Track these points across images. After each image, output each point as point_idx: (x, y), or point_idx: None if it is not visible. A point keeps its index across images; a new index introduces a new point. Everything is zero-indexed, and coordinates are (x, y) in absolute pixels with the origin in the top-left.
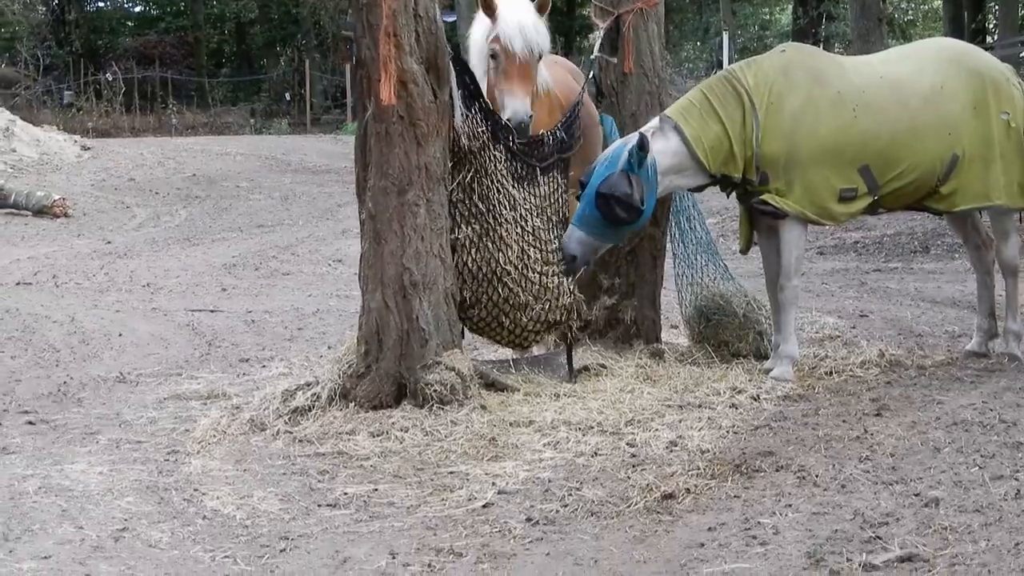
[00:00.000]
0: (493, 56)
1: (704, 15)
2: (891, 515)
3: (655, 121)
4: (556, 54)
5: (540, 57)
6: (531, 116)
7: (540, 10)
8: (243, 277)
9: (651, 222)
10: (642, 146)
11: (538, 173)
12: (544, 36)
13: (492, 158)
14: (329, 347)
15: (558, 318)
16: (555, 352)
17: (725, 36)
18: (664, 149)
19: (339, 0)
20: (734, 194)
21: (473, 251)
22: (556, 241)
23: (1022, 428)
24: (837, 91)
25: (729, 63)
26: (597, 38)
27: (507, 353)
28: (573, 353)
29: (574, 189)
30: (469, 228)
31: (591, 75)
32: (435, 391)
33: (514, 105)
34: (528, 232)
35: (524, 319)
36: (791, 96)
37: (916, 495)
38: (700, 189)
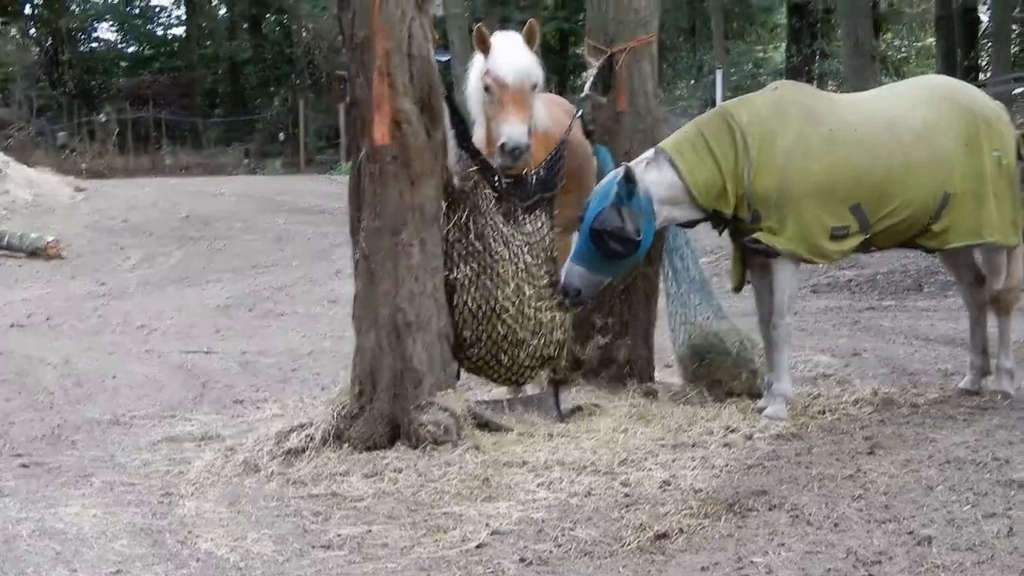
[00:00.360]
0: (487, 90)
1: (698, 53)
2: (884, 553)
3: (650, 152)
4: (551, 92)
5: (534, 87)
6: (528, 143)
7: (528, 41)
8: (237, 318)
9: (645, 261)
10: (629, 177)
11: (520, 212)
12: (535, 66)
13: (484, 196)
14: (323, 388)
15: (552, 353)
16: (548, 392)
17: (719, 74)
18: (659, 180)
19: (333, 40)
20: (727, 232)
21: (472, 289)
22: (547, 277)
23: (1015, 466)
24: (829, 128)
25: (723, 101)
26: (589, 77)
27: (500, 393)
28: (567, 393)
29: (559, 228)
30: (467, 267)
31: (579, 113)
32: (429, 432)
33: (510, 130)
34: (522, 268)
35: (522, 355)
36: (784, 134)
37: (909, 533)
38: (693, 225)
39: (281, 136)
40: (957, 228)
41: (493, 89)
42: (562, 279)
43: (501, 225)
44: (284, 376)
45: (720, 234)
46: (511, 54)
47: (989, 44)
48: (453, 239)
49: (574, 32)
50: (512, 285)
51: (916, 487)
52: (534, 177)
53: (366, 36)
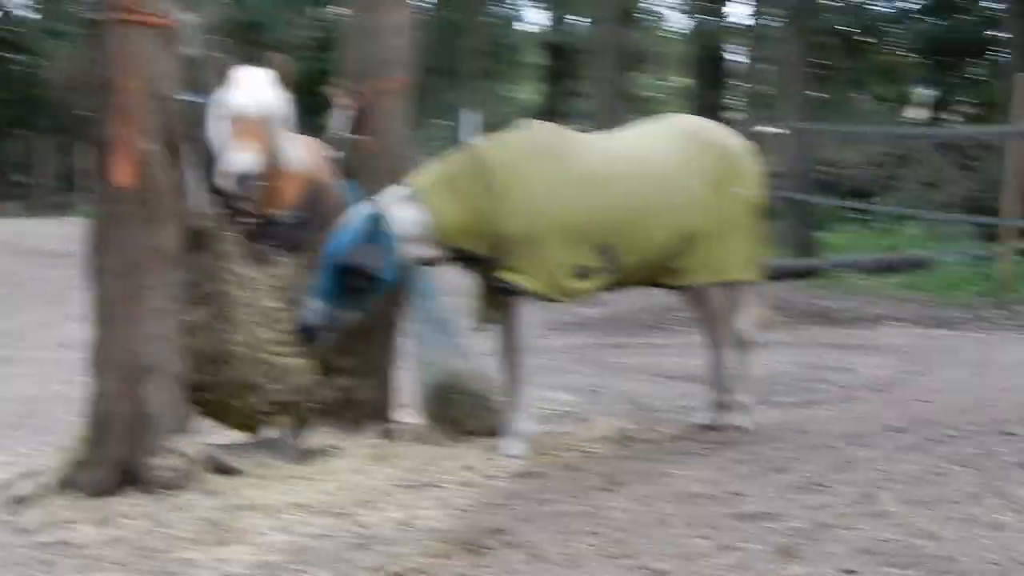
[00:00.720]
0: (224, 121)
1: (448, 93)
2: None
3: (398, 190)
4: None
5: (270, 119)
6: (254, 171)
7: (280, 79)
8: None
9: (386, 300)
10: (375, 215)
11: (269, 253)
12: (273, 98)
13: (225, 239)
14: (55, 435)
15: (291, 398)
16: (285, 434)
17: (470, 114)
18: (406, 218)
19: (74, 80)
20: (470, 271)
21: (206, 333)
22: (290, 322)
23: (748, 499)
24: (577, 168)
25: (474, 140)
26: (340, 116)
27: (237, 437)
28: (304, 435)
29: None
30: (202, 310)
31: (332, 154)
32: (162, 476)
33: (232, 156)
34: (260, 313)
35: (254, 400)
36: (532, 173)
37: (643, 568)
38: (437, 263)
39: (19, 178)
40: (700, 266)
41: (226, 121)
42: (300, 315)
43: (240, 268)
44: (15, 423)
45: (464, 272)
46: (247, 87)
47: (740, 84)
48: (190, 282)
49: (326, 72)
50: (247, 330)
51: (652, 522)
52: (286, 219)
53: (109, 77)
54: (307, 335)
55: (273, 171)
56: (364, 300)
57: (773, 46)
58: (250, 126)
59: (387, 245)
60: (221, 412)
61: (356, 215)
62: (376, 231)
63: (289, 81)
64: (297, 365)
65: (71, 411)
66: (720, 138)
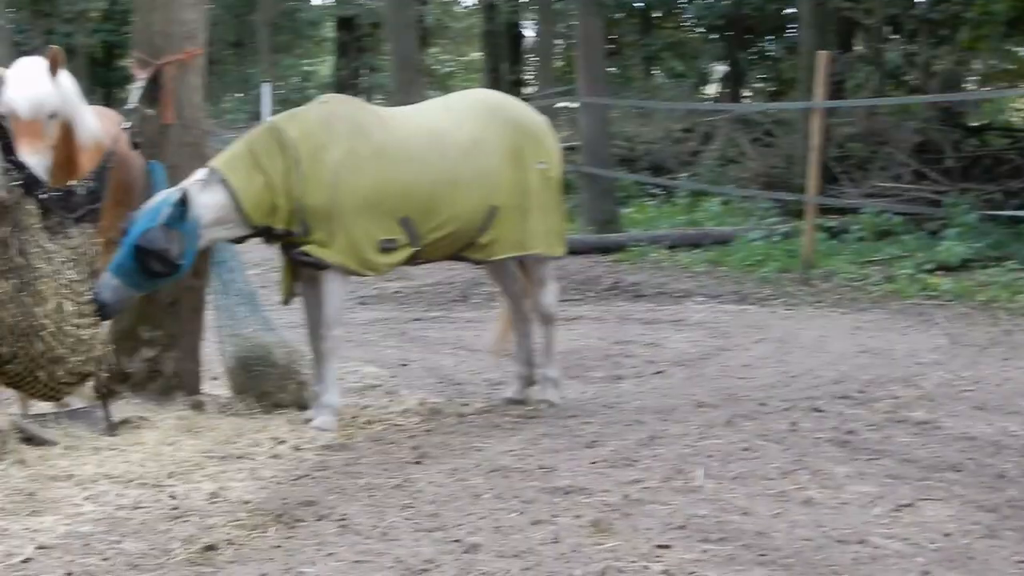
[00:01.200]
0: (4, 119)
1: (245, 66)
2: (432, 562)
3: (201, 173)
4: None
5: (52, 116)
6: (42, 175)
7: (52, 69)
8: None
9: (192, 274)
10: (182, 201)
11: (70, 225)
12: (51, 95)
13: (27, 212)
14: None
15: (92, 369)
16: (93, 405)
17: (266, 87)
18: (208, 203)
19: None
20: (275, 245)
21: (12, 306)
22: (89, 293)
23: (560, 473)
24: (378, 142)
25: (270, 114)
26: (135, 89)
27: (45, 407)
28: (114, 406)
29: (103, 236)
30: (8, 283)
31: (129, 125)
32: None
33: (26, 161)
34: (64, 285)
35: (60, 372)
36: (332, 147)
37: (456, 541)
38: (243, 240)
39: None
40: (502, 241)
41: (7, 121)
42: (96, 290)
43: (44, 241)
44: None
45: (269, 247)
46: (24, 84)
47: (534, 58)
48: None
49: (121, 44)
50: (52, 303)
51: (463, 496)
52: (83, 189)
53: None
54: (99, 310)
55: (67, 145)
56: (159, 282)
57: (568, 21)
58: (33, 127)
59: (188, 232)
60: (26, 384)
61: (160, 199)
62: (178, 217)
63: (62, 66)
64: (97, 336)
65: None
66: (519, 113)
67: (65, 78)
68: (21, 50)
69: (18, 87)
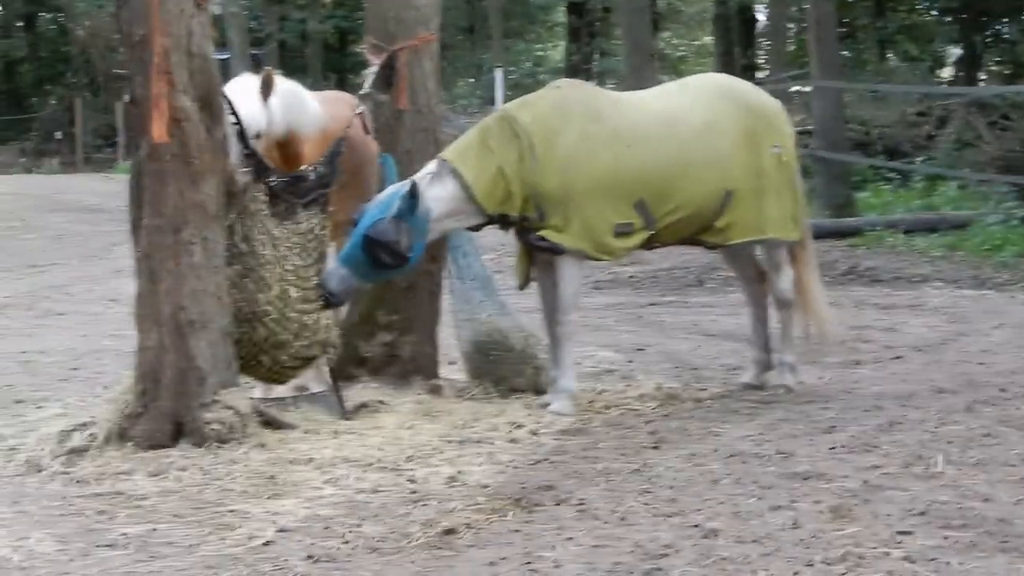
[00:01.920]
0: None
1: (477, 52)
2: (671, 546)
3: (432, 165)
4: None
5: (257, 137)
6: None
7: (264, 91)
8: (15, 318)
9: (429, 258)
10: (413, 194)
11: (299, 209)
12: (255, 119)
13: (254, 198)
14: (105, 387)
15: (316, 353)
16: (330, 389)
17: (498, 73)
18: (440, 195)
19: (109, 37)
20: (511, 231)
21: (234, 292)
22: (316, 277)
23: (798, 458)
24: (611, 127)
25: (502, 99)
26: (369, 75)
27: (285, 391)
28: (351, 390)
29: (333, 220)
30: (231, 268)
31: (360, 110)
32: (213, 430)
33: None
34: (288, 271)
35: (283, 356)
36: (566, 132)
37: (695, 526)
38: (478, 228)
39: (58, 135)
40: (738, 225)
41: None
42: (324, 278)
43: (271, 227)
44: (65, 375)
45: (505, 233)
46: (233, 107)
47: (766, 42)
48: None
49: (354, 30)
50: (276, 289)
51: (701, 481)
52: (312, 173)
53: (144, 34)
54: (326, 299)
55: (293, 135)
56: (386, 274)
57: (801, 4)
58: (260, 144)
59: (418, 225)
60: (249, 368)
61: (391, 191)
62: (408, 210)
63: (273, 88)
64: (322, 320)
65: (120, 364)
66: (752, 96)
67: (279, 94)
68: (255, 36)
69: (244, 113)
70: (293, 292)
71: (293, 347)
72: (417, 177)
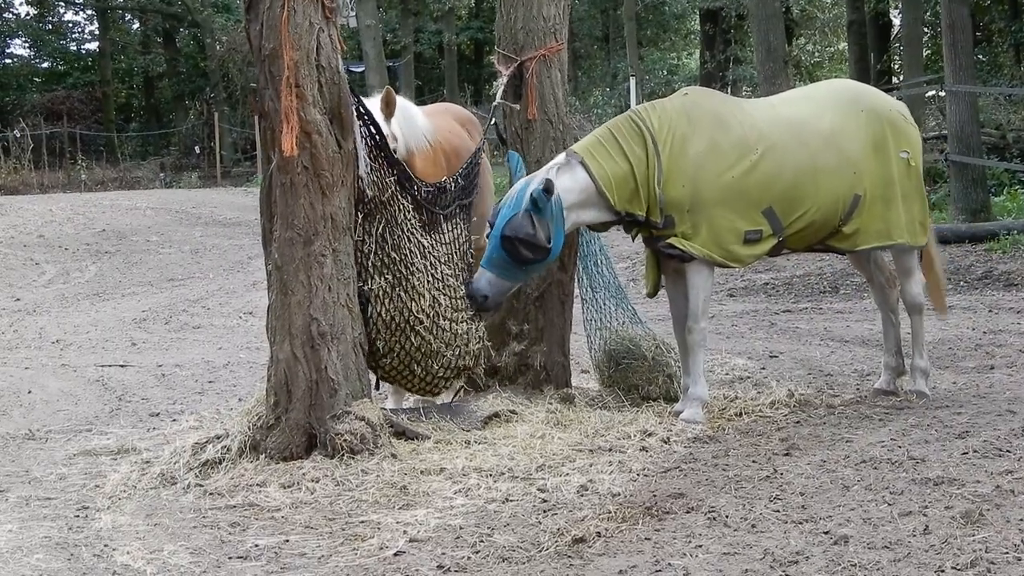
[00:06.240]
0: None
1: (612, 61)
2: (801, 554)
3: (561, 157)
4: (454, 103)
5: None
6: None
7: (385, 109)
8: (153, 331)
9: (559, 267)
10: (547, 189)
11: (442, 220)
12: (384, 130)
13: (401, 207)
14: (239, 399)
15: (468, 363)
16: (465, 399)
17: (633, 82)
18: (570, 185)
19: (246, 53)
20: (640, 238)
21: (387, 301)
22: (464, 288)
23: (930, 464)
24: (739, 133)
25: None
26: (500, 85)
27: (416, 401)
28: (483, 400)
29: (476, 234)
30: (382, 279)
31: (492, 121)
32: (345, 441)
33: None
34: (438, 279)
35: (435, 366)
36: (694, 139)
37: (825, 533)
38: (606, 227)
39: (197, 149)
40: (867, 230)
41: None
42: (471, 284)
43: (419, 236)
44: (200, 388)
45: (633, 239)
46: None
47: (901, 48)
48: (368, 250)
49: (489, 42)
50: (427, 297)
51: (832, 487)
52: (453, 184)
53: (274, 48)
54: (475, 304)
55: (408, 150)
56: (531, 270)
57: (936, 8)
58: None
59: (553, 215)
60: (402, 377)
61: (519, 187)
62: (542, 203)
63: (393, 108)
64: (472, 330)
65: (254, 377)
66: (880, 102)
67: (399, 113)
68: (390, 48)
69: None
70: (444, 301)
71: (445, 356)
72: (544, 169)
